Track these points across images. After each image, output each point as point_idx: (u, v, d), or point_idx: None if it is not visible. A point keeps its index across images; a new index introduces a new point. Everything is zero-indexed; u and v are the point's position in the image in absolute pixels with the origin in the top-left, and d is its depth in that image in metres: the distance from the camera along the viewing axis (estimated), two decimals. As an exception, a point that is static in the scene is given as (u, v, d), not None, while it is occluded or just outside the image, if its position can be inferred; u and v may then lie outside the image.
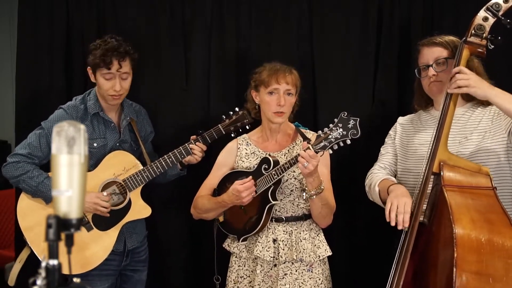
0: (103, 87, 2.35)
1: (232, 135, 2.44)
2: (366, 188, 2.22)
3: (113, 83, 2.33)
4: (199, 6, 2.84)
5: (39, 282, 0.99)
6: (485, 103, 2.05)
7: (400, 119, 2.30)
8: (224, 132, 2.44)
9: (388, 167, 2.22)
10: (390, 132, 2.30)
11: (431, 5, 2.71)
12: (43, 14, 2.88)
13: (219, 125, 2.44)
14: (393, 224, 1.86)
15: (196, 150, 2.41)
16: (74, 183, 1.03)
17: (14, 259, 2.72)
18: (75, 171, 1.03)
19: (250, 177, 2.18)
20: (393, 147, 2.24)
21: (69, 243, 1.04)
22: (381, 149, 2.29)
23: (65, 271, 1.02)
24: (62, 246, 1.03)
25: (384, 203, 2.08)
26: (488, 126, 2.01)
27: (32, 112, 2.78)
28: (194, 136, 2.45)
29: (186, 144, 2.42)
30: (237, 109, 2.47)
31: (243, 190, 2.14)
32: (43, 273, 1.00)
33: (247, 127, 2.45)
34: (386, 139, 2.30)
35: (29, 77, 2.89)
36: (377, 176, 2.15)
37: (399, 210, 1.86)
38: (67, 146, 1.02)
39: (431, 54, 2.07)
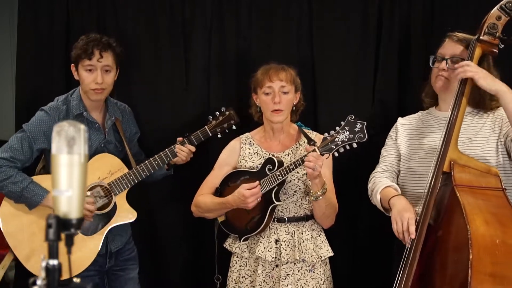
0: (85, 81, 2.31)
1: (219, 136, 2.45)
2: (369, 192, 2.21)
3: (94, 75, 2.29)
4: (199, 6, 2.84)
5: (39, 282, 0.99)
6: (488, 108, 2.05)
7: (400, 120, 2.29)
8: (210, 134, 2.44)
9: (390, 169, 2.20)
10: (391, 133, 2.29)
11: (431, 5, 2.71)
12: (43, 14, 2.88)
13: (206, 126, 2.44)
14: (404, 243, 1.87)
15: (182, 151, 2.39)
16: (74, 183, 1.03)
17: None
18: (75, 171, 1.03)
19: (257, 182, 2.18)
20: (394, 147, 2.23)
21: (69, 243, 1.04)
22: (382, 150, 2.28)
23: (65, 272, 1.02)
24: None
25: (385, 210, 2.08)
26: (492, 129, 2.01)
27: (32, 112, 2.74)
28: (181, 138, 2.43)
29: (172, 146, 2.41)
30: (223, 109, 2.46)
31: (250, 195, 2.14)
32: (43, 273, 1.00)
33: (234, 127, 2.46)
34: (386, 140, 2.29)
35: (29, 77, 2.89)
36: (380, 182, 2.14)
37: (404, 228, 1.86)
38: (67, 146, 1.02)
39: (451, 49, 2.06)
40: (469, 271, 1.61)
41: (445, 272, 1.76)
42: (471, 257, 1.62)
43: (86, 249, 2.33)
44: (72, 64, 2.36)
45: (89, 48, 2.27)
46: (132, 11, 2.87)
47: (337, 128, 2.07)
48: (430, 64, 2.13)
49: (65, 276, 1.03)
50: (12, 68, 3.14)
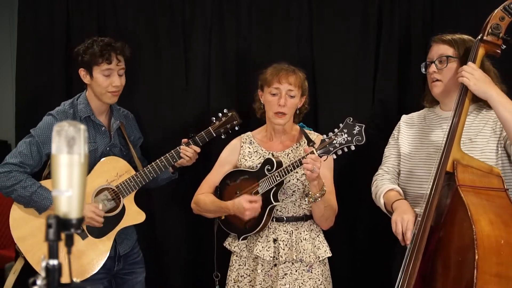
0: (103, 84, 2.31)
1: (223, 136, 2.47)
2: (373, 195, 2.21)
3: (112, 79, 2.31)
4: (199, 6, 2.84)
5: (39, 282, 0.99)
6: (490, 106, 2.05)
7: (404, 117, 2.28)
8: (214, 135, 2.45)
9: (392, 170, 2.20)
10: (394, 131, 2.28)
11: (431, 5, 2.71)
12: (43, 14, 2.88)
13: (210, 127, 2.45)
14: (403, 244, 1.88)
15: (188, 152, 2.40)
16: (74, 183, 1.03)
17: (14, 259, 2.72)
18: (75, 171, 1.03)
19: (260, 197, 2.18)
20: (396, 147, 2.22)
21: (69, 243, 1.03)
22: (385, 150, 2.28)
23: (65, 276, 1.01)
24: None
25: (389, 213, 2.09)
26: (493, 130, 2.00)
27: (32, 112, 2.77)
28: (186, 140, 2.44)
29: (178, 148, 2.41)
30: (225, 110, 2.47)
31: (248, 209, 2.15)
32: (43, 273, 1.00)
33: (237, 128, 2.47)
34: (390, 139, 2.28)
35: (29, 77, 2.89)
36: (382, 185, 2.14)
37: (404, 229, 1.87)
38: (67, 146, 1.02)
39: (437, 50, 2.07)
40: (475, 272, 1.60)
41: (448, 273, 1.75)
42: (477, 257, 1.61)
43: (97, 252, 2.34)
44: (82, 68, 2.35)
45: (106, 53, 2.28)
46: (132, 11, 2.87)
47: (336, 130, 2.07)
48: (423, 71, 2.14)
49: (69, 277, 1.03)
50: (12, 68, 3.15)
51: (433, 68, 2.06)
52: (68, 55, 2.87)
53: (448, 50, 2.04)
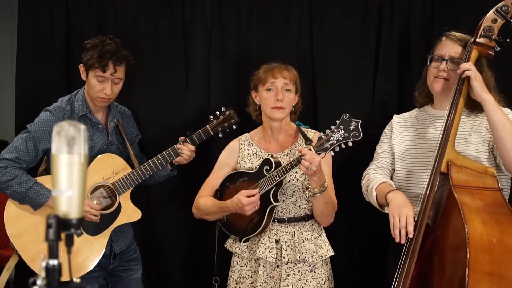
0: (94, 89, 2.31)
1: (220, 135, 2.46)
2: (363, 189, 2.20)
3: (104, 86, 2.30)
4: (199, 6, 2.84)
5: (39, 282, 0.99)
6: (480, 108, 2.05)
7: (396, 118, 2.28)
8: (212, 133, 2.45)
9: (385, 167, 2.20)
10: (386, 130, 2.28)
11: (431, 5, 2.71)
12: (43, 13, 2.88)
13: (207, 126, 2.45)
14: (397, 241, 1.85)
15: (184, 150, 2.40)
16: (74, 183, 1.03)
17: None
18: (75, 171, 1.03)
19: (257, 190, 2.17)
20: (389, 145, 2.23)
21: (69, 243, 1.03)
22: (377, 147, 2.28)
23: (65, 274, 1.02)
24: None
25: (381, 206, 2.08)
26: (486, 128, 2.01)
27: (32, 111, 2.75)
28: (183, 138, 2.44)
29: (175, 146, 2.41)
30: (223, 109, 2.47)
31: (247, 203, 2.14)
32: (43, 273, 1.00)
33: (234, 126, 2.47)
34: (381, 137, 2.29)
35: (29, 77, 2.89)
36: (374, 179, 2.13)
37: (401, 224, 1.84)
38: (67, 146, 1.02)
39: (451, 49, 2.05)
40: (467, 270, 1.63)
41: (444, 272, 1.77)
42: (468, 256, 1.63)
43: (92, 250, 2.33)
44: (82, 65, 2.35)
45: (104, 60, 2.25)
46: (132, 11, 2.87)
47: (332, 127, 2.07)
48: (428, 63, 2.12)
49: (69, 277, 1.03)
50: (12, 68, 3.15)
51: (443, 66, 2.05)
52: (68, 55, 2.87)
53: (461, 53, 2.03)
